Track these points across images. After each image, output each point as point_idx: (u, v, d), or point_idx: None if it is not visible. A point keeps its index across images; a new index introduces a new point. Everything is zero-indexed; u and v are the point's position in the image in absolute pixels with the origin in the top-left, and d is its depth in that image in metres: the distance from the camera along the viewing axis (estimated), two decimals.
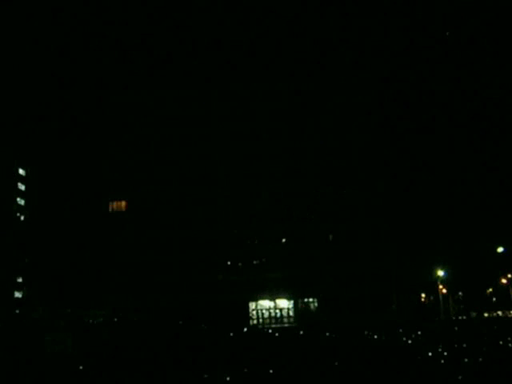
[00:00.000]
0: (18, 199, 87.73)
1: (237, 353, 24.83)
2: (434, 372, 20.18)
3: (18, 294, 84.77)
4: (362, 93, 77.27)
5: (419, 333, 34.01)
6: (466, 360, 21.30)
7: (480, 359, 21.49)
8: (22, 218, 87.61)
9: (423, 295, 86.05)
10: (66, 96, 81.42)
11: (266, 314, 73.15)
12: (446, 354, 23.21)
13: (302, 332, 37.35)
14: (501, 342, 27.19)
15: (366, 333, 35.10)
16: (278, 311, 73.43)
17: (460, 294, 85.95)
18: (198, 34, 79.77)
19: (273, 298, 73.20)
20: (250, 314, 72.56)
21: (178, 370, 21.14)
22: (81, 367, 20.91)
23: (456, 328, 40.01)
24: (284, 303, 73.69)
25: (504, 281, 75.36)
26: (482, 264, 73.89)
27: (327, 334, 33.42)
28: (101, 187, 78.98)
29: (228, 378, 18.97)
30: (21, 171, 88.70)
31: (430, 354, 23.11)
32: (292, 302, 73.28)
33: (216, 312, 64.32)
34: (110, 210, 77.96)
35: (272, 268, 72.32)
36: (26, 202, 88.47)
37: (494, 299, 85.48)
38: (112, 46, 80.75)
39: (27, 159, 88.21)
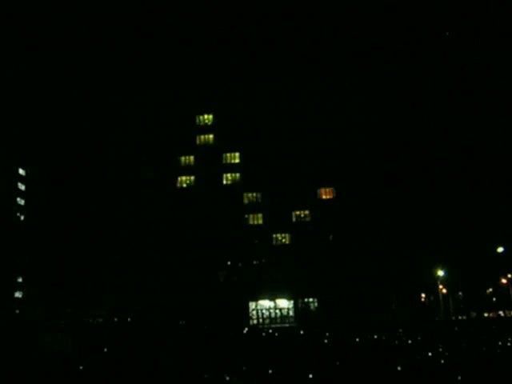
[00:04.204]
0: (18, 199, 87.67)
1: (237, 353, 24.85)
2: (433, 372, 20.19)
3: (18, 294, 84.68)
4: (362, 93, 77.25)
5: (419, 333, 34.02)
6: (466, 360, 21.32)
7: (480, 359, 21.51)
8: (22, 218, 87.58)
9: (423, 295, 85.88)
10: (66, 96, 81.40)
11: (266, 314, 73.14)
12: (446, 353, 23.23)
13: (302, 332, 37.37)
14: (500, 343, 27.21)
15: (365, 333, 35.08)
16: (277, 311, 73.41)
17: (460, 293, 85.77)
18: (198, 33, 79.84)
19: (273, 298, 73.19)
20: (250, 314, 72.55)
21: (178, 369, 21.16)
22: (81, 367, 20.93)
23: (456, 328, 39.99)
24: (284, 303, 73.67)
25: (504, 281, 75.27)
26: (482, 264, 73.77)
27: (327, 333, 33.40)
28: (101, 187, 78.99)
29: (228, 378, 19.00)
30: (21, 171, 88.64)
31: (429, 354, 23.13)
32: (292, 301, 73.27)
33: (216, 312, 64.32)
34: (110, 209, 77.98)
35: (272, 268, 72.31)
36: (25, 202, 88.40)
37: (494, 299, 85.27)
38: (112, 45, 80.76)
39: (27, 159, 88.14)
